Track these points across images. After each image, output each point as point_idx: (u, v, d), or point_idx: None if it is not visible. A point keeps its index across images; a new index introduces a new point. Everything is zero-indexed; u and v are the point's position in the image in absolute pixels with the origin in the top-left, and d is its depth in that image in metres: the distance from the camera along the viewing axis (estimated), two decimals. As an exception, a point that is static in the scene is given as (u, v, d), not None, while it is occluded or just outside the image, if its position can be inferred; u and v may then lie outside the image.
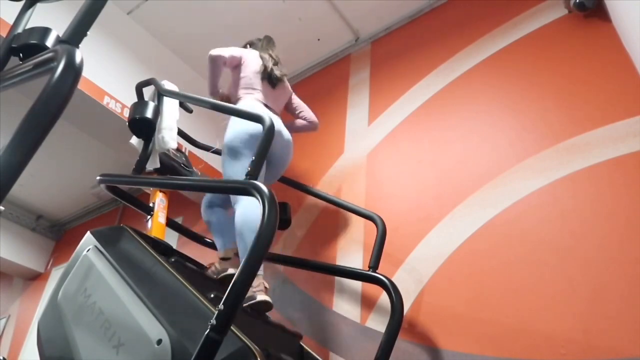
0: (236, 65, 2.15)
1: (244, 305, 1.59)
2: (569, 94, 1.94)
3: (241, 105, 2.03)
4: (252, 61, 2.15)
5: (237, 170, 1.83)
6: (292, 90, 2.34)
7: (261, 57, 2.16)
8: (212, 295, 1.40)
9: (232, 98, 2.16)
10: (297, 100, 2.36)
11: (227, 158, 1.91)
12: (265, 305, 1.64)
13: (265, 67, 2.12)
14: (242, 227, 1.68)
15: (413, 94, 2.53)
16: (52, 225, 4.88)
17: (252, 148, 1.79)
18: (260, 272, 1.69)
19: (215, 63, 2.10)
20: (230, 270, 1.80)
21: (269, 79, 2.12)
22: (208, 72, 2.14)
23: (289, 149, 2.08)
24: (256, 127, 1.69)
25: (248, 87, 2.09)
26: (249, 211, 1.69)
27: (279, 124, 1.99)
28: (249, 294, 1.62)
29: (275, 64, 2.17)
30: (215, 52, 2.10)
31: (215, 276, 1.81)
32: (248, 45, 2.32)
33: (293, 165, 2.73)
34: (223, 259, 1.87)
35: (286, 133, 2.05)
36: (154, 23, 3.09)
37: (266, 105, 2.07)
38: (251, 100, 2.05)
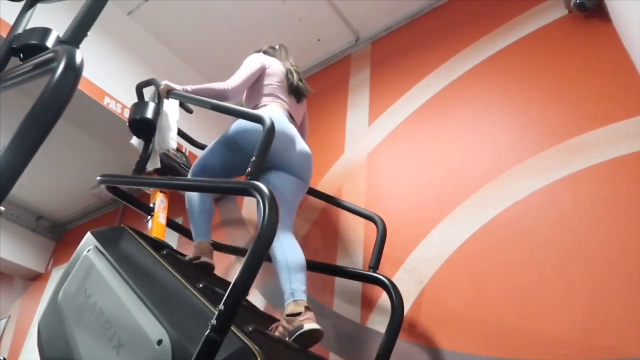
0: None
1: (290, 339, 1.41)
2: (569, 94, 1.94)
3: (264, 110, 1.92)
4: (276, 70, 2.07)
5: (220, 161, 1.90)
6: (306, 109, 2.28)
7: (287, 70, 2.10)
8: (201, 285, 1.40)
9: (250, 104, 2.05)
10: (305, 123, 2.29)
11: (217, 146, 1.91)
12: (316, 334, 1.46)
13: (291, 82, 2.06)
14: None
15: (413, 95, 2.53)
16: (53, 226, 4.87)
17: (251, 147, 1.74)
18: (303, 297, 1.53)
19: (218, 96, 1.89)
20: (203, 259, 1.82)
21: (296, 93, 2.08)
22: (203, 90, 1.90)
23: (308, 161, 1.95)
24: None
25: (272, 94, 2.01)
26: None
27: (296, 135, 1.91)
28: (296, 324, 1.44)
29: (300, 79, 2.12)
30: (231, 85, 1.92)
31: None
32: (262, 53, 2.21)
33: (293, 165, 2.73)
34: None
35: (303, 145, 1.94)
36: (154, 23, 3.09)
37: (290, 116, 2.01)
38: (276, 108, 1.96)
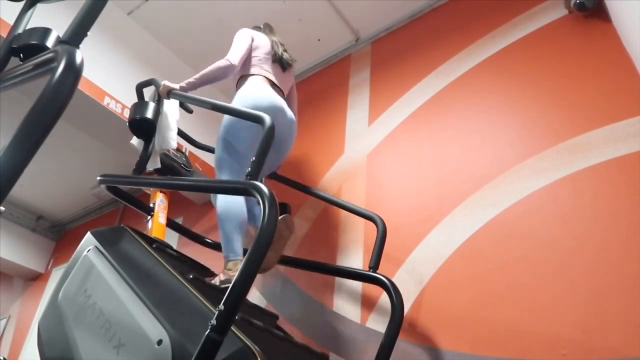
0: None
1: (222, 286, 1.58)
2: (570, 94, 1.94)
3: (249, 84, 2.05)
4: (262, 43, 2.22)
5: (229, 165, 1.92)
6: (294, 81, 2.41)
7: (272, 41, 2.25)
8: (191, 276, 1.42)
9: (238, 75, 2.16)
10: (293, 94, 2.41)
11: (219, 150, 1.95)
12: None
13: (276, 52, 2.21)
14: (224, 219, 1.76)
15: (413, 94, 2.53)
16: (53, 226, 4.87)
17: (245, 141, 1.89)
18: (241, 257, 1.71)
19: (225, 72, 2.01)
20: None
21: (280, 62, 2.22)
22: (208, 72, 1.98)
23: (292, 128, 2.12)
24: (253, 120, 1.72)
25: (257, 65, 2.14)
26: (230, 203, 1.78)
27: (283, 104, 2.04)
28: (227, 276, 1.65)
29: (285, 50, 2.27)
30: (233, 60, 2.02)
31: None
32: None
33: (293, 165, 2.74)
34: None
35: (289, 112, 2.08)
36: (154, 23, 3.09)
37: (274, 84, 2.13)
38: (260, 79, 2.09)
